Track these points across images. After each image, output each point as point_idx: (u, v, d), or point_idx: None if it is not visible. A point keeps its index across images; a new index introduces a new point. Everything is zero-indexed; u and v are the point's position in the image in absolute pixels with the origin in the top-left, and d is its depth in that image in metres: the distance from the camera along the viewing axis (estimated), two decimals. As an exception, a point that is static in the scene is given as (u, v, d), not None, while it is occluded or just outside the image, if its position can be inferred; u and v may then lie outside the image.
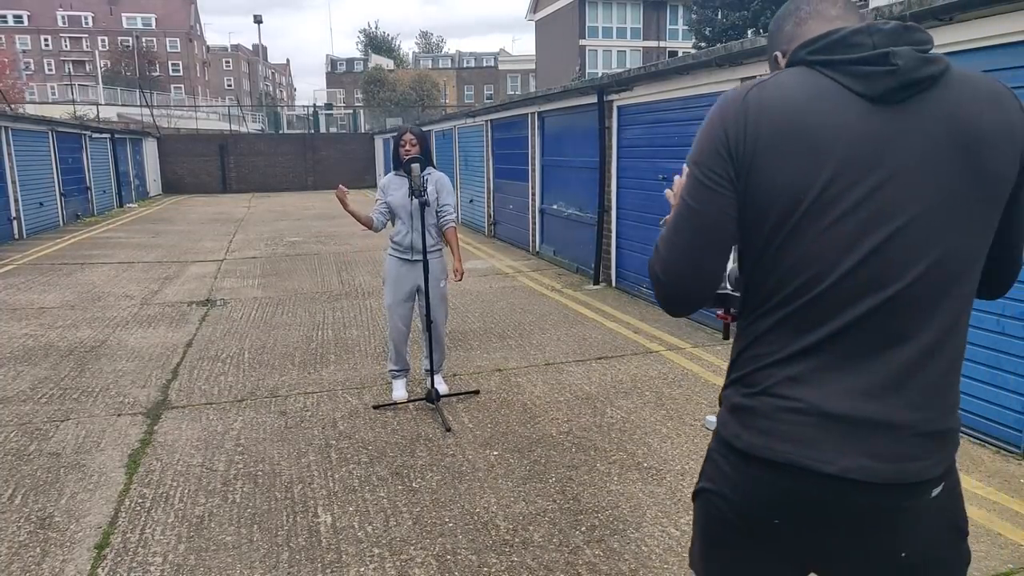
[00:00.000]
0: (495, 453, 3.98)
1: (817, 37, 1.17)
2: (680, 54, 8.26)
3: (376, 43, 78.05)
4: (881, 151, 1.10)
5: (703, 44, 26.35)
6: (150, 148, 26.08)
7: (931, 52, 1.13)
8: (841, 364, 1.15)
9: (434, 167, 4.73)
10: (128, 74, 64.44)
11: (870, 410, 1.13)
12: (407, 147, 4.49)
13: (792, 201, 1.12)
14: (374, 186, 23.04)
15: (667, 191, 1.35)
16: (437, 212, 4.63)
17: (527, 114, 11.25)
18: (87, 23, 71.27)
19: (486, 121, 13.42)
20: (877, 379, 1.14)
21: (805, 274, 1.14)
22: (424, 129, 11.30)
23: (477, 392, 4.93)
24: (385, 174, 4.95)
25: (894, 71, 1.09)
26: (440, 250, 4.66)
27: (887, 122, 1.11)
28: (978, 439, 4.09)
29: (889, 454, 1.14)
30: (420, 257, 4.48)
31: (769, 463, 1.19)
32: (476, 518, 3.30)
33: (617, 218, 8.52)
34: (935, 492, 1.19)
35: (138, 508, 3.39)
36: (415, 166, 4.27)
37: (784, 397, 1.18)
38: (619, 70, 10.52)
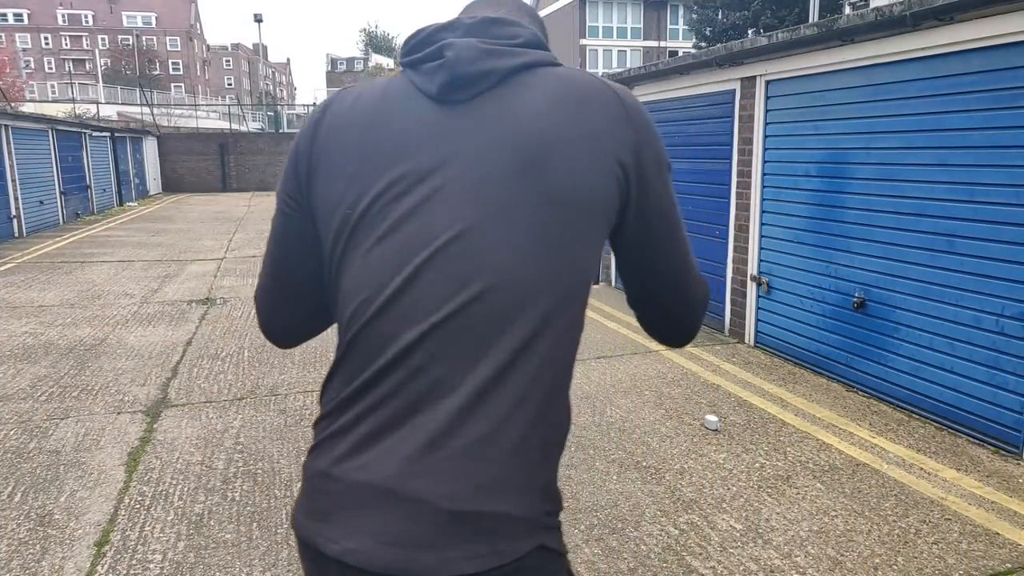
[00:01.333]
0: (494, 452, 3.98)
1: (409, 37, 1.04)
2: (680, 54, 8.27)
3: (376, 42, 78.05)
4: (436, 159, 0.94)
5: (703, 44, 26.35)
6: (150, 147, 26.07)
7: (519, 47, 0.98)
8: (378, 416, 0.92)
9: None
10: (128, 73, 64.45)
11: (391, 477, 0.88)
12: None
13: (342, 218, 0.97)
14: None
15: None
16: None
17: (527, 113, 11.24)
18: (87, 21, 71.26)
19: (486, 120, 13.41)
20: (411, 437, 0.89)
21: (351, 305, 0.97)
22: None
23: (477, 391, 4.93)
24: None
25: (444, 64, 0.96)
26: None
27: (447, 125, 0.96)
28: (977, 439, 4.10)
29: (399, 536, 0.87)
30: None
31: (297, 537, 0.99)
32: (475, 516, 3.29)
33: (617, 217, 8.51)
34: None
35: (138, 506, 3.39)
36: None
37: (320, 456, 0.96)
38: (619, 70, 10.52)
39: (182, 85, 70.76)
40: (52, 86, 58.60)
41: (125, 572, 2.87)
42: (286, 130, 35.86)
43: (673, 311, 1.10)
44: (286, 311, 1.15)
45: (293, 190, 1.05)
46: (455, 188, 0.93)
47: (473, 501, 0.88)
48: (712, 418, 4.34)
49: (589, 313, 7.33)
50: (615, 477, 3.69)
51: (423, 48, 1.01)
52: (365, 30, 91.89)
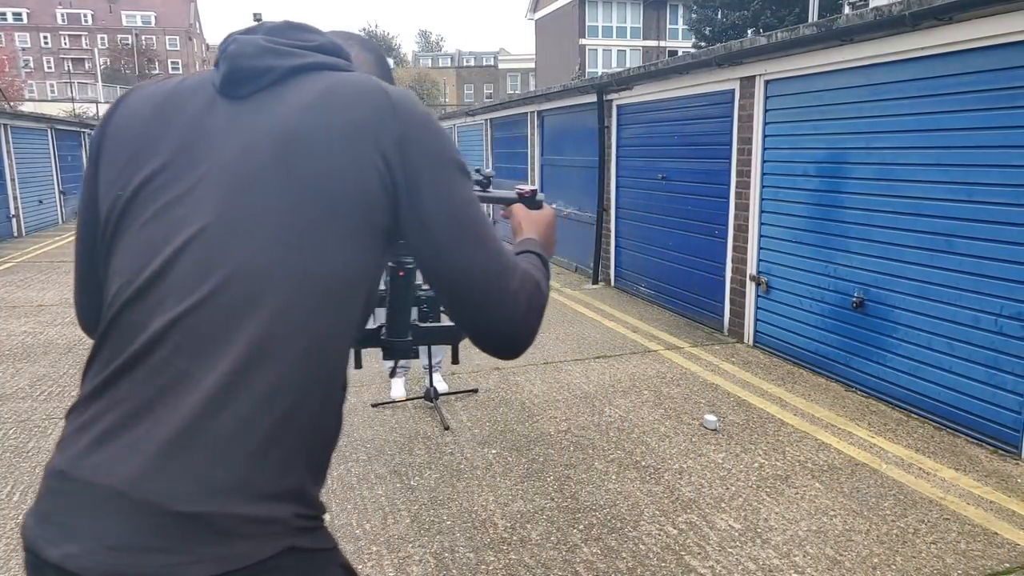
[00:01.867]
0: (493, 451, 3.99)
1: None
2: (680, 53, 8.29)
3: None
4: (205, 149, 0.96)
5: (703, 43, 26.34)
6: (149, 146, 26.06)
7: (308, 51, 1.01)
8: (121, 410, 0.88)
9: None
10: (127, 72, 64.44)
11: (122, 477, 0.83)
12: None
13: (113, 200, 0.98)
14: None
15: None
16: None
17: (527, 113, 11.25)
18: (86, 21, 71.21)
19: (486, 120, 13.42)
20: (149, 435, 0.85)
21: (112, 289, 0.95)
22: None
23: (476, 391, 4.93)
24: None
25: (225, 58, 0.99)
26: None
27: (222, 118, 0.98)
28: (975, 439, 4.10)
29: (125, 539, 0.82)
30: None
31: (22, 543, 0.91)
32: (474, 516, 3.30)
33: (616, 217, 8.52)
34: None
35: (136, 505, 3.39)
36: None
37: (60, 453, 0.91)
38: (619, 69, 10.53)
39: (181, 84, 70.62)
40: (51, 85, 58.63)
41: (124, 571, 2.87)
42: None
43: (484, 325, 1.04)
44: (93, 303, 1.12)
45: (89, 177, 1.06)
46: (216, 179, 0.94)
47: (208, 503, 0.83)
48: (711, 418, 4.34)
49: (586, 312, 7.34)
50: (614, 477, 3.69)
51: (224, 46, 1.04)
52: (365, 30, 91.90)
